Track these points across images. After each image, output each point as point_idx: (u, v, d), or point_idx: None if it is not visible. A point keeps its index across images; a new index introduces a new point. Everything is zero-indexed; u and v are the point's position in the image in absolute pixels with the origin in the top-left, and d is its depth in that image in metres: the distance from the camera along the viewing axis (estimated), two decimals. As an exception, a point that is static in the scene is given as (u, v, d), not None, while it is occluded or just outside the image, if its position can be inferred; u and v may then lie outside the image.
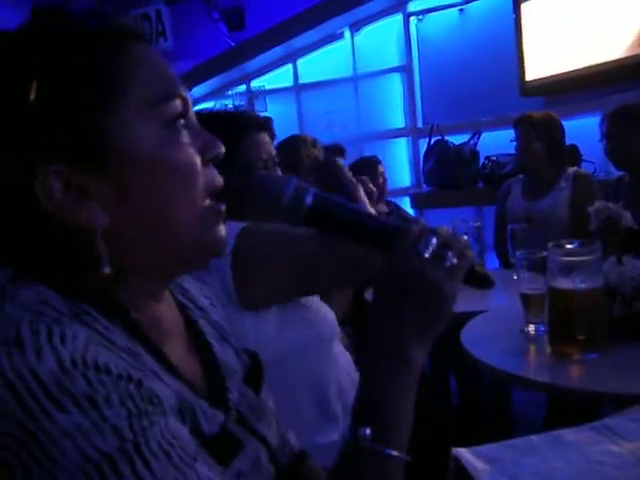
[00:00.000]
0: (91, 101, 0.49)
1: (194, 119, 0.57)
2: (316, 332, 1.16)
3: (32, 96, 0.48)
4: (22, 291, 0.49)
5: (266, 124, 1.23)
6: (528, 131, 2.54)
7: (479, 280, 0.64)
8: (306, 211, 0.61)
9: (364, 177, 2.39)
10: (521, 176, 2.75)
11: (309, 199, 0.61)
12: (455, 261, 0.58)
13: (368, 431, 0.55)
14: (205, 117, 1.05)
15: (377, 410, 0.57)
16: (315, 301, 1.23)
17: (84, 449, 0.42)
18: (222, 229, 0.58)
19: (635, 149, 2.23)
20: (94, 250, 0.51)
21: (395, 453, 0.56)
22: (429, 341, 0.59)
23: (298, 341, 1.10)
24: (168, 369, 0.55)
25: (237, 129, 1.15)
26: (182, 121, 0.54)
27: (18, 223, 0.51)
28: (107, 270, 0.51)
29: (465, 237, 0.63)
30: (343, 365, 1.25)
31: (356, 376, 1.32)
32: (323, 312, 1.23)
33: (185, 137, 0.54)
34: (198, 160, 0.55)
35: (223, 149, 0.58)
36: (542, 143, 2.52)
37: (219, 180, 0.58)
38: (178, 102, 0.54)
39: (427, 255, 0.58)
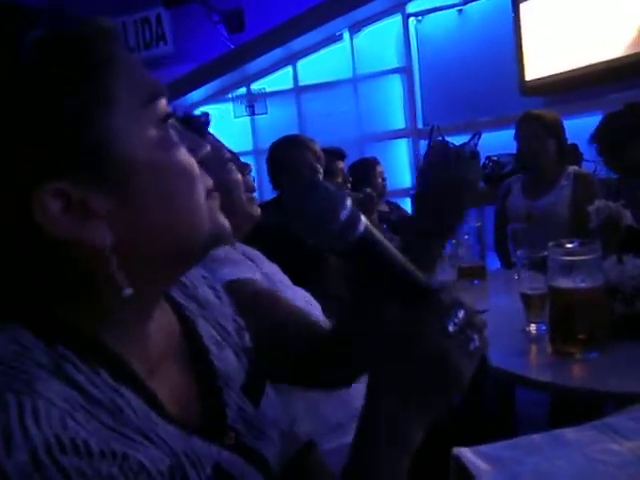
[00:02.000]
0: (80, 110, 0.45)
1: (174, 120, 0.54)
2: None
3: (14, 111, 0.43)
4: None
5: None
6: (537, 130, 2.54)
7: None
8: (352, 242, 0.52)
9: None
10: (520, 175, 2.76)
11: (361, 228, 0.53)
12: (478, 344, 0.55)
13: None
14: None
15: None
16: (306, 307, 1.22)
17: None
18: (223, 217, 0.56)
19: (627, 156, 2.25)
20: (103, 271, 0.47)
21: None
22: (430, 420, 0.55)
23: None
24: (157, 410, 0.51)
25: None
26: (170, 121, 0.52)
27: (12, 251, 0.47)
28: (128, 292, 0.48)
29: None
30: None
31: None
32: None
33: (175, 137, 0.52)
34: (193, 159, 0.53)
35: (209, 149, 0.56)
36: (553, 142, 2.53)
37: (210, 180, 0.55)
38: (164, 101, 0.51)
39: (452, 329, 0.54)
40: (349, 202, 0.53)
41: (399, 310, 0.58)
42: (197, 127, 1.07)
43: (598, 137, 2.31)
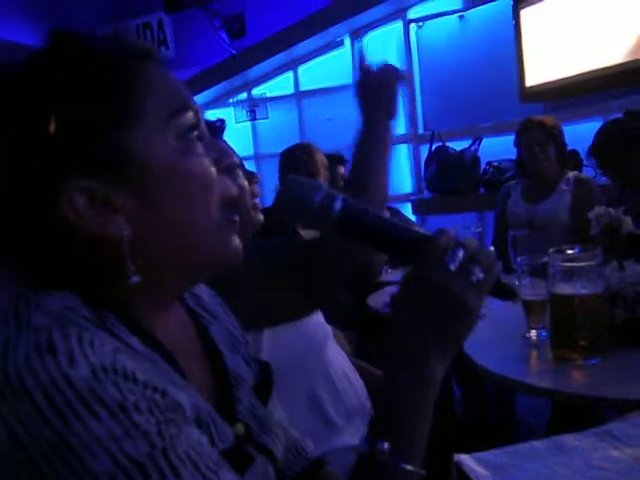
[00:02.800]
0: (110, 119, 0.52)
1: (206, 130, 0.59)
2: (307, 342, 1.17)
3: (53, 118, 0.50)
4: (47, 298, 0.51)
5: None
6: (540, 135, 2.56)
7: (504, 293, 0.63)
8: (336, 218, 0.59)
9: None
10: (520, 179, 2.77)
11: (338, 205, 0.59)
12: (482, 276, 0.57)
13: (386, 445, 0.55)
14: None
15: (396, 425, 0.57)
16: None
17: (115, 455, 0.43)
18: (236, 239, 0.59)
19: (629, 167, 2.25)
20: (119, 261, 0.52)
21: (411, 468, 0.55)
22: (449, 356, 0.59)
23: (289, 356, 1.10)
24: (183, 378, 0.56)
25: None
26: (195, 132, 0.57)
27: (43, 237, 0.52)
28: (135, 279, 0.53)
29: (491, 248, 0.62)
30: (338, 368, 1.26)
31: (353, 377, 1.32)
32: (314, 320, 1.23)
33: (199, 148, 0.56)
34: (213, 170, 0.57)
35: (237, 159, 0.60)
36: (553, 147, 2.55)
37: (234, 189, 0.59)
38: (190, 114, 0.56)
39: (453, 268, 0.57)
40: (324, 186, 0.60)
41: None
42: (211, 133, 1.08)
43: (596, 149, 2.31)
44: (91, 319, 0.51)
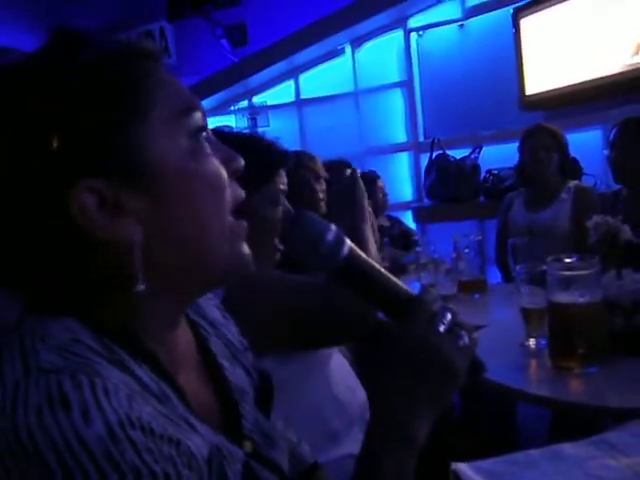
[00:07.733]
0: (118, 120, 0.50)
1: (211, 134, 0.58)
2: (310, 359, 1.17)
3: (59, 119, 0.48)
4: (52, 328, 0.48)
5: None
6: (546, 140, 2.57)
7: (476, 366, 0.63)
8: (340, 262, 0.59)
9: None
10: (522, 189, 2.77)
11: (345, 250, 0.60)
12: (467, 341, 0.59)
13: None
14: (236, 141, 1.07)
15: None
16: None
17: None
18: (246, 246, 0.58)
19: (637, 163, 2.25)
20: (128, 267, 0.50)
21: None
22: (434, 418, 0.59)
23: (292, 374, 1.10)
24: (190, 410, 0.54)
25: (272, 164, 1.19)
26: (204, 134, 0.55)
27: (49, 245, 0.50)
28: (142, 287, 0.50)
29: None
30: (340, 379, 1.25)
31: (357, 387, 1.32)
32: None
33: (209, 149, 0.55)
34: (224, 171, 0.56)
35: (243, 163, 0.59)
36: (557, 155, 2.56)
37: (241, 194, 0.58)
38: (199, 114, 0.55)
39: (442, 330, 0.59)
40: (333, 227, 0.60)
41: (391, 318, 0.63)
42: None
43: (617, 142, 2.30)
44: (99, 351, 0.48)
